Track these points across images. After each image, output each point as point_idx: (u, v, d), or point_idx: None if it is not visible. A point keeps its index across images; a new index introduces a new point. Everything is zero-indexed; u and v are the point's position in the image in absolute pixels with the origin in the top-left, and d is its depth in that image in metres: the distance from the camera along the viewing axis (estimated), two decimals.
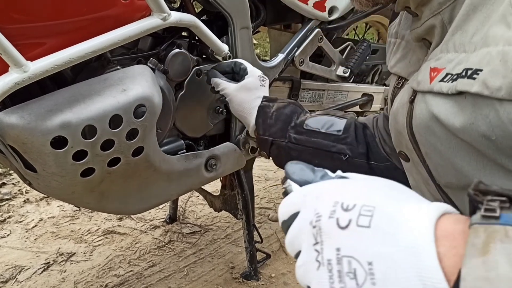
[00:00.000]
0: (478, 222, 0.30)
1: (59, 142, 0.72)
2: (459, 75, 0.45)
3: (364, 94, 1.42)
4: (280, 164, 0.90)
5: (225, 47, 0.98)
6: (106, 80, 0.77)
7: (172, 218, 1.52)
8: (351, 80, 1.31)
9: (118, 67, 0.83)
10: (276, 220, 1.54)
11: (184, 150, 1.02)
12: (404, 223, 0.32)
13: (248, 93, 0.88)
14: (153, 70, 0.90)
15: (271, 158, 0.91)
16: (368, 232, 0.33)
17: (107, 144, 0.77)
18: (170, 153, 0.97)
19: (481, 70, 0.42)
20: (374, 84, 1.51)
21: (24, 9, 0.63)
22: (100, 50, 0.70)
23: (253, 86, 0.88)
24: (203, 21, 1.08)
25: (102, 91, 0.75)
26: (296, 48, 1.17)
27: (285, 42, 1.25)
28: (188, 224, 1.50)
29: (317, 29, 1.19)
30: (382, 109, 1.56)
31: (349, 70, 1.25)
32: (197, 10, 1.05)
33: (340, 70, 1.26)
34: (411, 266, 0.30)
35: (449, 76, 0.47)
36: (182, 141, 1.02)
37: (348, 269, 0.33)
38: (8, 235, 1.47)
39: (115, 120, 0.76)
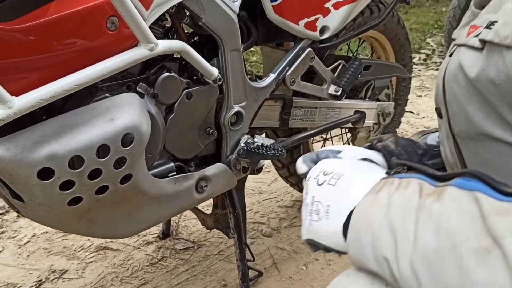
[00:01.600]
0: (384, 177, 0.53)
1: (45, 173, 0.72)
2: (484, 27, 0.52)
3: (356, 111, 1.42)
4: None
5: (214, 71, 0.98)
6: (94, 110, 0.77)
7: (165, 234, 1.52)
8: (343, 98, 1.31)
9: (107, 94, 0.83)
10: (270, 236, 1.54)
11: (175, 172, 1.02)
12: (357, 185, 0.54)
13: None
14: (143, 95, 0.91)
15: None
16: (333, 188, 0.56)
17: (95, 173, 0.77)
18: (160, 176, 0.97)
19: (497, 21, 0.50)
20: (367, 99, 1.51)
21: (7, 44, 0.63)
22: (86, 83, 0.70)
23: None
24: (193, 43, 1.09)
25: (89, 121, 0.75)
26: (287, 68, 1.17)
27: (277, 59, 1.25)
28: (181, 240, 1.49)
29: (309, 49, 1.19)
30: (375, 123, 1.56)
31: (341, 89, 1.25)
32: (187, 31, 1.05)
33: (332, 89, 1.26)
34: (350, 206, 0.52)
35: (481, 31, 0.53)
36: (173, 164, 1.02)
37: (315, 208, 0.56)
38: (1, 251, 1.47)
39: (103, 150, 0.76)
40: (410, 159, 0.74)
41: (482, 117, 0.53)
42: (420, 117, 2.59)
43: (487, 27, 0.51)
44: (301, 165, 0.65)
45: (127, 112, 0.79)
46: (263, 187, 1.82)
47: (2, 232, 1.57)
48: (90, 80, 0.71)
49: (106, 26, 0.73)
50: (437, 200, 0.44)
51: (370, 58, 1.64)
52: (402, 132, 2.32)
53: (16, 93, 0.65)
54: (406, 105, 1.82)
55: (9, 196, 0.77)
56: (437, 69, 3.52)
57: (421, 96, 2.94)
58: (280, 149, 1.07)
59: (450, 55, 0.61)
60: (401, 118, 1.84)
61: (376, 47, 1.67)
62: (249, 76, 1.24)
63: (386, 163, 0.70)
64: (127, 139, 0.79)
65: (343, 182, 0.56)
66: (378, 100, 1.58)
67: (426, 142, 0.79)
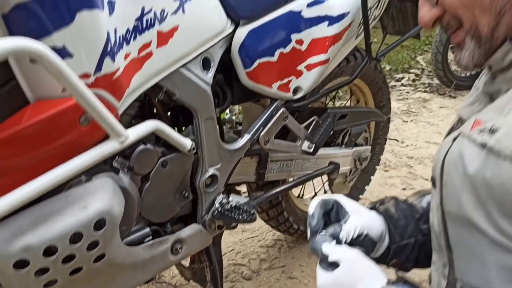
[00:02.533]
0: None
1: (21, 262, 0.76)
2: (488, 130, 0.58)
3: (330, 162, 1.47)
4: None
5: (188, 143, 1.03)
6: (68, 198, 0.81)
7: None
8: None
9: (82, 177, 0.87)
10: (250, 279, 1.58)
11: (150, 237, 1.06)
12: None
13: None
14: (118, 170, 0.95)
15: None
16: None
17: (69, 258, 0.81)
18: (136, 243, 1.02)
19: (500, 128, 0.56)
20: (343, 146, 1.56)
21: None
22: (59, 183, 0.75)
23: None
24: (171, 110, 1.13)
25: (64, 210, 0.80)
26: (261, 128, 1.22)
27: (255, 113, 1.30)
28: (164, 284, 1.54)
29: (282, 109, 1.24)
30: (351, 170, 1.61)
31: (314, 145, 1.30)
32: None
33: (305, 146, 1.31)
34: None
35: (484, 130, 0.59)
36: (148, 228, 1.06)
37: None
38: None
39: (76, 236, 0.81)
40: (408, 224, 0.82)
41: (471, 207, 0.59)
42: (404, 145, 2.64)
43: (490, 130, 0.58)
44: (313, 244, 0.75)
45: (100, 198, 0.83)
46: (246, 224, 1.86)
47: None
48: (63, 179, 0.75)
49: (79, 123, 0.77)
50: None
51: (346, 106, 1.69)
52: (385, 163, 2.37)
53: None
54: (385, 144, 1.88)
55: None
56: (425, 91, 3.57)
57: (407, 122, 2.99)
58: (251, 214, 1.12)
59: (454, 139, 0.66)
60: (386, 145, 1.89)
61: (355, 90, 1.72)
62: (229, 126, 1.30)
63: (386, 225, 0.80)
64: (100, 223, 0.83)
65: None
66: (356, 144, 1.63)
67: (422, 206, 0.85)
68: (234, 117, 1.50)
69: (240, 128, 1.47)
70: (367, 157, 1.63)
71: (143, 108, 1.06)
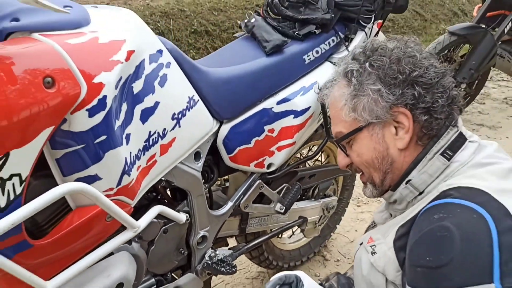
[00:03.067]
0: None
1: None
2: (372, 251, 0.93)
3: (300, 217, 1.80)
4: None
5: (183, 217, 1.36)
6: (96, 269, 1.15)
7: None
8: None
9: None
10: None
11: (155, 286, 1.40)
12: None
13: None
14: (131, 241, 1.29)
15: None
16: None
17: None
18: None
19: (378, 252, 0.95)
20: (313, 198, 1.90)
21: (42, 252, 1.01)
22: (96, 261, 1.09)
23: None
24: (169, 188, 1.47)
25: (94, 279, 1.14)
26: (242, 196, 1.56)
27: (239, 178, 1.64)
28: None
29: (258, 181, 1.57)
30: (320, 217, 1.94)
31: (284, 207, 1.64)
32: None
33: (278, 207, 1.64)
34: None
35: (372, 248, 0.94)
36: (153, 279, 1.40)
37: None
38: None
39: None
40: None
41: None
42: None
43: (373, 252, 0.93)
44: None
45: (119, 269, 1.17)
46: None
47: None
48: (98, 259, 1.10)
49: (105, 220, 1.11)
50: None
51: (315, 166, 2.02)
52: (358, 198, 2.69)
53: (48, 276, 1.03)
54: (353, 189, 2.21)
55: None
56: None
57: None
58: (233, 267, 1.45)
59: (360, 244, 1.02)
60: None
61: (325, 148, 2.05)
62: (218, 184, 1.64)
63: None
64: (120, 286, 1.17)
65: None
66: (325, 195, 1.97)
67: None
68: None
69: (227, 184, 1.80)
70: (334, 206, 1.97)
71: (150, 191, 1.40)
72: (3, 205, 0.88)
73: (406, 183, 0.95)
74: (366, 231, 1.11)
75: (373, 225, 1.10)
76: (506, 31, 3.42)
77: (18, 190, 0.90)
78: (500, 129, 3.65)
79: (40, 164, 0.96)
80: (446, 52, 3.45)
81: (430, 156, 0.93)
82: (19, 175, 0.89)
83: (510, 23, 3.41)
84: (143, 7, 4.72)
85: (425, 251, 0.80)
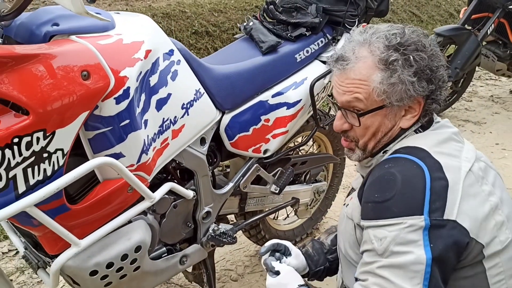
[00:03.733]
0: None
1: (93, 272, 1.32)
2: (347, 204, 1.20)
3: (293, 198, 2.02)
4: None
5: (190, 193, 1.58)
6: (119, 233, 1.37)
7: None
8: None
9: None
10: (236, 280, 2.14)
11: (166, 254, 1.62)
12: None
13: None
14: (147, 213, 1.50)
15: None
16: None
17: (119, 268, 1.37)
18: (157, 258, 1.57)
19: (348, 204, 1.19)
20: (305, 183, 2.11)
21: (78, 215, 1.23)
22: (120, 225, 1.31)
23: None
24: (178, 169, 1.68)
25: (117, 241, 1.35)
26: (241, 178, 1.77)
27: (239, 163, 1.85)
28: (172, 284, 2.09)
29: (256, 164, 1.79)
30: (312, 200, 2.16)
31: (279, 188, 1.85)
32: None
33: (273, 188, 1.86)
34: None
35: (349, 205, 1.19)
36: (164, 248, 1.62)
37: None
38: None
39: (124, 256, 1.36)
40: (320, 258, 1.41)
41: (349, 246, 1.15)
42: None
43: (347, 205, 1.22)
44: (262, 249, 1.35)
45: (138, 233, 1.39)
46: None
47: None
48: (122, 223, 1.31)
49: (127, 191, 1.33)
50: None
51: (307, 153, 2.24)
52: (348, 186, 2.91)
53: (81, 236, 1.25)
54: (342, 176, 2.43)
55: (71, 282, 1.37)
56: None
57: None
58: (233, 238, 1.67)
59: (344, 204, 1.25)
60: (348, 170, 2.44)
61: (316, 139, 2.27)
62: (220, 169, 1.85)
63: (306, 261, 1.39)
64: (138, 248, 1.39)
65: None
66: (316, 180, 2.19)
67: (328, 243, 1.43)
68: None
69: (228, 170, 2.02)
70: (324, 190, 2.19)
71: (162, 171, 1.61)
72: (49, 173, 1.10)
73: (384, 152, 1.17)
74: (348, 194, 1.33)
75: (352, 191, 1.32)
76: (489, 32, 3.64)
77: (61, 162, 1.12)
78: (484, 124, 3.86)
79: (75, 145, 1.18)
80: None
81: (409, 132, 1.14)
82: (62, 149, 1.11)
83: (493, 25, 3.63)
84: (145, 8, 4.92)
85: (375, 191, 1.03)
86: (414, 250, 0.95)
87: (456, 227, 0.96)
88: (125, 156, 1.28)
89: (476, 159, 1.08)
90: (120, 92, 1.21)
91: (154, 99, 1.37)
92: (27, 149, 1.04)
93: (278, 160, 1.88)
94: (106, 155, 1.24)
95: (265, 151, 1.80)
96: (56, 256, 1.26)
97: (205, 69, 1.58)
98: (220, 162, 1.81)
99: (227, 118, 1.65)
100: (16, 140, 1.01)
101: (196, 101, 1.52)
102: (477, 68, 4.15)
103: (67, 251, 1.24)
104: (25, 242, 1.47)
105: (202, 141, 1.60)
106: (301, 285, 1.20)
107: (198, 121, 1.54)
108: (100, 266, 1.31)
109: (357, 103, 1.11)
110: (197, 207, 1.67)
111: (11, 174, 1.03)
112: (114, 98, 1.20)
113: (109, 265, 1.33)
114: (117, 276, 1.38)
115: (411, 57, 1.07)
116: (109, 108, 1.20)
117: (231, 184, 1.76)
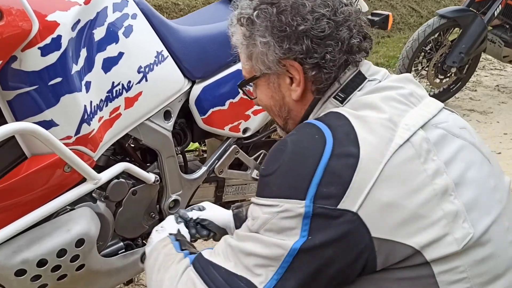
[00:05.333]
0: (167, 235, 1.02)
1: (20, 271, 1.05)
2: None
3: None
4: None
5: (152, 177, 1.31)
6: (56, 223, 1.10)
7: (128, 280, 1.85)
8: None
9: (67, 207, 1.15)
10: None
11: (124, 250, 1.35)
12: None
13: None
14: (96, 200, 1.24)
15: None
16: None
17: (56, 268, 1.10)
18: (111, 254, 1.31)
19: None
20: None
21: None
22: (50, 213, 1.04)
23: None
24: (139, 149, 1.42)
25: (52, 233, 1.09)
26: (216, 161, 1.51)
27: (216, 145, 1.59)
28: (142, 286, 1.83)
29: (234, 145, 1.52)
30: None
31: None
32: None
33: (255, 174, 1.60)
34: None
35: None
36: (122, 243, 1.35)
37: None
38: None
39: (61, 252, 1.10)
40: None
41: None
42: None
43: None
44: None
45: (79, 223, 1.12)
46: None
47: None
48: (52, 210, 1.05)
49: (64, 170, 1.06)
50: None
51: None
52: None
53: None
54: None
55: None
56: None
57: None
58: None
59: None
60: None
61: None
62: (196, 154, 1.58)
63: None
64: (80, 242, 1.12)
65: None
66: None
67: None
68: (200, 147, 1.79)
69: (206, 155, 1.76)
70: None
71: (118, 150, 1.35)
72: None
73: None
74: None
75: None
76: (496, 14, 3.39)
77: None
78: (491, 114, 3.61)
79: None
80: (436, 35, 3.41)
81: (324, 99, 0.90)
82: None
83: (500, 6, 3.38)
84: None
85: (264, 162, 0.85)
86: (285, 239, 0.75)
87: (352, 222, 0.73)
88: (58, 125, 1.02)
89: (428, 125, 0.81)
90: (48, 40, 0.96)
91: (99, 58, 1.11)
92: None
93: (260, 141, 1.62)
94: (33, 123, 0.98)
95: (245, 130, 1.53)
96: None
97: (170, 29, 1.32)
98: (191, 142, 1.55)
99: (198, 88, 1.39)
100: None
101: (157, 65, 1.26)
102: (481, 57, 3.89)
103: None
104: None
105: (167, 114, 1.34)
106: (173, 234, 1.03)
107: (160, 89, 1.28)
108: (29, 264, 1.05)
109: (245, 74, 1.00)
110: (163, 194, 1.40)
111: None
112: (39, 48, 0.95)
113: (42, 262, 1.07)
114: (54, 276, 1.11)
115: (256, 12, 0.88)
116: (33, 60, 0.95)
117: (204, 168, 1.49)
